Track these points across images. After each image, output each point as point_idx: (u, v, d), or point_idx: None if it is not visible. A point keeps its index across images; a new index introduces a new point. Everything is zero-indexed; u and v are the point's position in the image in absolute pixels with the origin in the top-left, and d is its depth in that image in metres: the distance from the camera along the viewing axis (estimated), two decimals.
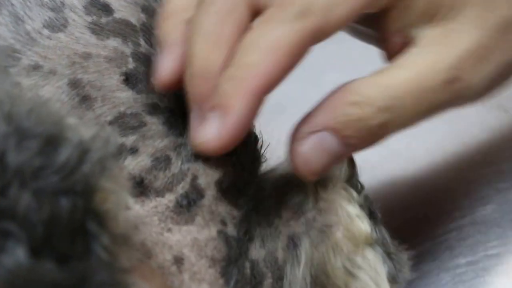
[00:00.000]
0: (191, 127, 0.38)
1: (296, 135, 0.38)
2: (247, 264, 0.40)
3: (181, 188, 0.39)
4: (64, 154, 0.30)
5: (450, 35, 0.39)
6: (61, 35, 0.39)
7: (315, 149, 0.38)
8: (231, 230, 0.40)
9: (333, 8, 0.37)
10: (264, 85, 0.36)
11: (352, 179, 0.42)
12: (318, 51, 0.39)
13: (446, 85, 0.38)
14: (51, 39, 0.39)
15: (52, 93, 0.38)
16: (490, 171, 0.52)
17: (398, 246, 0.42)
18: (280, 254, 0.40)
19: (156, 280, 0.37)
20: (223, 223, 0.40)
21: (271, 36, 0.36)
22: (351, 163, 0.42)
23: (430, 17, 0.39)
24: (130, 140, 0.39)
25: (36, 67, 0.38)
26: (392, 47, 0.41)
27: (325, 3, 0.36)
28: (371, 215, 0.41)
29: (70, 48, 0.39)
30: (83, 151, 0.30)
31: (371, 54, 0.46)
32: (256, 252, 0.41)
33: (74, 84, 0.39)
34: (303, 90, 0.57)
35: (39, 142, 0.29)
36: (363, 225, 0.40)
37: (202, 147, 0.37)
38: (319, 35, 0.37)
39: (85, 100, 0.39)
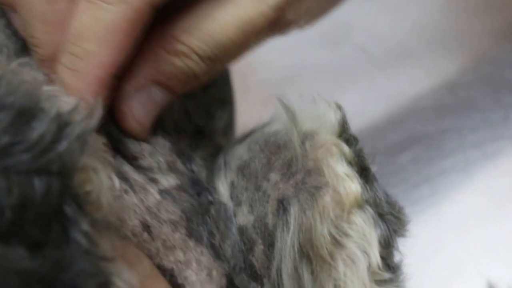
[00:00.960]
0: None
1: (121, 95, 0.37)
2: (233, 229, 0.39)
3: None
4: (39, 128, 0.27)
5: None
6: None
7: (143, 105, 0.38)
8: (174, 184, 0.39)
9: None
10: (106, 73, 0.36)
11: (343, 133, 0.39)
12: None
13: (270, 25, 0.39)
14: None
15: None
16: None
17: (394, 204, 0.39)
18: (270, 220, 0.38)
19: (144, 264, 0.34)
20: (157, 182, 0.39)
21: (103, 22, 0.35)
22: (343, 117, 0.39)
23: None
24: None
25: None
26: None
27: None
28: (363, 172, 0.38)
29: None
30: (61, 125, 0.27)
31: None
32: (244, 217, 0.39)
33: None
34: None
35: (9, 114, 0.26)
36: (353, 185, 0.37)
37: None
38: (148, 8, 0.36)
39: None
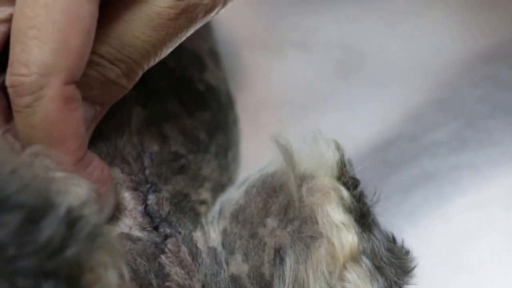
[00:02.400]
0: None
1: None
2: (227, 278, 0.38)
3: None
4: (48, 229, 0.26)
5: None
6: None
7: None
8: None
9: None
10: (75, 160, 0.36)
11: (342, 175, 0.38)
12: None
13: (181, 14, 0.37)
14: None
15: None
16: None
17: (397, 250, 0.38)
18: (266, 269, 0.37)
19: None
20: None
21: (36, 127, 0.34)
22: (342, 158, 0.38)
23: None
24: None
25: None
26: None
27: None
28: (362, 219, 0.37)
29: None
30: (71, 223, 0.27)
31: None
32: (238, 266, 0.38)
33: None
34: None
35: (20, 215, 0.26)
36: (349, 236, 0.36)
37: None
38: (67, 86, 0.35)
39: None
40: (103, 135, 0.39)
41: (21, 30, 0.34)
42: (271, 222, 0.38)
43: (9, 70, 0.34)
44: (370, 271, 0.36)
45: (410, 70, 0.59)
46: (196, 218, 0.40)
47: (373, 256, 0.36)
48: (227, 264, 0.38)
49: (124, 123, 0.40)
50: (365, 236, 0.36)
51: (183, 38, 0.38)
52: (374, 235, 0.37)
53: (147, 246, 0.38)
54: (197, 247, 0.39)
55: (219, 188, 0.42)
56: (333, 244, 0.36)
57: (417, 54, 0.60)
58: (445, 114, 0.57)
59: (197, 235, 0.39)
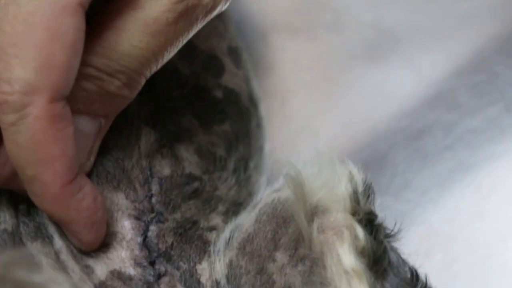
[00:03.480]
0: None
1: None
2: None
3: None
4: None
5: None
6: None
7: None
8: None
9: None
10: (63, 183, 0.34)
11: (358, 210, 0.35)
12: None
13: (180, 17, 0.35)
14: None
15: None
16: None
17: None
18: None
19: None
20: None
21: (22, 145, 0.33)
22: (356, 188, 0.35)
23: None
24: None
25: None
26: None
27: None
28: (376, 265, 0.34)
29: None
30: None
31: None
32: None
33: None
34: None
35: None
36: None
37: None
38: (54, 103, 0.33)
39: None
40: (111, 154, 0.38)
41: (1, 47, 0.32)
42: (280, 257, 0.35)
43: None
44: None
45: (444, 53, 0.56)
46: (203, 247, 0.38)
47: None
48: None
49: (132, 143, 0.38)
50: (378, 286, 0.33)
51: (185, 41, 0.36)
52: (389, 284, 0.34)
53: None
54: (199, 283, 0.37)
55: (233, 208, 0.40)
56: None
57: (452, 36, 0.57)
58: (482, 100, 0.55)
59: (202, 267, 0.37)
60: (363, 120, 0.53)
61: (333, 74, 0.56)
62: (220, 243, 0.38)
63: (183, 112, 0.40)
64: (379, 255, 0.34)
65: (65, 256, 0.36)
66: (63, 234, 0.36)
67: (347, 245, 0.33)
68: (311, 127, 0.53)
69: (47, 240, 0.36)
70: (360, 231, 0.34)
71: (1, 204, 0.37)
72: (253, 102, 0.44)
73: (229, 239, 0.37)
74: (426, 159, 0.52)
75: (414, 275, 0.35)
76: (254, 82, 0.45)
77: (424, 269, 0.44)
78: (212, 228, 0.39)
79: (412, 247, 0.38)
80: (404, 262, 0.35)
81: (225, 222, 0.39)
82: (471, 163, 0.52)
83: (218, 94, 0.42)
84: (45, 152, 0.33)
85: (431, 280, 0.38)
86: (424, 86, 0.55)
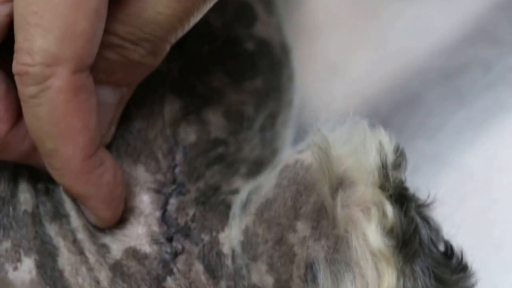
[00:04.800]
0: None
1: None
2: None
3: None
4: None
5: None
6: None
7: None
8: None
9: None
10: (82, 160, 0.33)
11: (386, 182, 0.32)
12: None
13: None
14: None
15: None
16: None
17: (450, 273, 0.32)
18: (295, 286, 0.33)
19: None
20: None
21: (42, 119, 0.32)
22: (385, 159, 0.32)
23: None
24: None
25: None
26: None
27: None
28: (405, 247, 0.31)
29: None
30: None
31: None
32: (261, 277, 0.34)
33: None
34: None
35: None
36: (386, 276, 0.31)
37: None
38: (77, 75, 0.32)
39: None
40: (132, 125, 0.37)
41: (22, 16, 0.31)
42: (302, 227, 0.33)
43: (14, 56, 0.32)
44: None
45: None
46: (226, 212, 0.36)
47: None
48: (249, 272, 0.34)
49: (156, 112, 0.37)
50: (407, 271, 0.31)
51: (213, 3, 0.34)
52: (419, 268, 0.32)
53: (153, 267, 0.35)
54: (220, 255, 0.35)
55: (255, 168, 0.38)
56: (367, 283, 0.31)
57: None
58: None
59: (225, 235, 0.36)
60: (396, 58, 0.52)
61: (365, 9, 0.54)
62: (236, 206, 0.36)
63: (214, 69, 0.39)
64: (409, 235, 0.31)
65: (82, 235, 0.35)
66: (80, 212, 0.36)
67: (374, 224, 0.31)
68: (340, 65, 0.52)
69: (64, 220, 0.36)
70: (389, 209, 0.31)
71: (21, 185, 0.36)
72: (285, 53, 0.42)
73: (246, 202, 0.36)
74: (462, 99, 0.50)
75: (449, 251, 0.33)
76: (286, 28, 0.43)
77: (460, 215, 0.43)
78: (235, 192, 0.37)
79: (447, 193, 0.36)
80: (437, 237, 0.33)
81: (247, 183, 0.38)
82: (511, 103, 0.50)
83: (250, 46, 0.40)
84: (66, 125, 0.32)
85: (466, 227, 0.36)
86: (462, 21, 0.53)
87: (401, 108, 0.44)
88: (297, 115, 0.43)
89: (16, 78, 0.32)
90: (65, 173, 0.33)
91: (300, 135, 0.40)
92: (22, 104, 0.32)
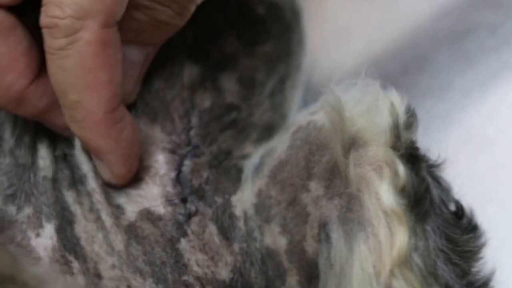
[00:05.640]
0: None
1: None
2: (258, 255, 0.34)
3: None
4: None
5: None
6: None
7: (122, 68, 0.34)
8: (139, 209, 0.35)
9: None
10: (105, 112, 0.33)
11: (398, 142, 0.32)
12: None
13: None
14: None
15: None
16: None
17: (460, 231, 0.32)
18: (309, 246, 0.33)
19: None
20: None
21: (69, 71, 0.32)
22: (397, 119, 0.32)
23: None
24: None
25: None
26: None
27: None
28: (417, 206, 0.31)
29: None
30: None
31: None
32: (274, 239, 0.34)
33: None
34: None
35: None
36: (399, 233, 0.30)
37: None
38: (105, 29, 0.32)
39: None
40: (151, 84, 0.37)
41: None
42: (315, 187, 0.33)
43: (43, 9, 0.32)
44: (422, 274, 0.31)
45: None
46: (238, 176, 0.36)
47: (427, 254, 0.31)
48: (262, 234, 0.34)
49: (175, 74, 0.37)
50: (418, 230, 0.31)
51: None
52: (431, 228, 0.32)
53: (167, 229, 0.35)
54: (233, 217, 0.35)
55: (265, 133, 0.38)
56: (379, 242, 0.31)
57: None
58: None
59: (237, 198, 0.36)
60: (404, 20, 0.52)
61: None
62: (249, 170, 0.36)
63: (227, 35, 0.39)
64: (420, 195, 0.31)
65: (98, 196, 0.35)
66: (97, 173, 0.35)
67: (386, 183, 0.31)
68: (349, 28, 0.52)
69: (81, 184, 0.36)
70: (401, 168, 0.31)
71: (40, 151, 0.36)
72: (295, 16, 0.42)
73: (259, 165, 0.36)
74: (468, 60, 0.51)
75: (459, 211, 0.33)
76: None
77: (467, 173, 0.43)
78: (245, 157, 0.37)
79: (454, 150, 0.36)
80: (448, 197, 0.33)
81: (257, 148, 0.38)
82: None
83: (261, 10, 0.40)
84: (93, 77, 0.32)
85: (474, 186, 0.37)
86: None
87: (409, 69, 0.45)
88: (306, 79, 0.43)
89: (44, 31, 0.32)
90: (86, 125, 0.33)
91: (309, 99, 0.40)
92: (48, 56, 0.32)
